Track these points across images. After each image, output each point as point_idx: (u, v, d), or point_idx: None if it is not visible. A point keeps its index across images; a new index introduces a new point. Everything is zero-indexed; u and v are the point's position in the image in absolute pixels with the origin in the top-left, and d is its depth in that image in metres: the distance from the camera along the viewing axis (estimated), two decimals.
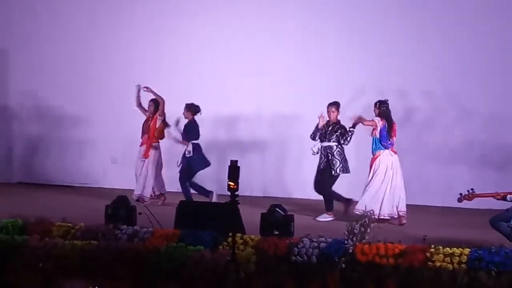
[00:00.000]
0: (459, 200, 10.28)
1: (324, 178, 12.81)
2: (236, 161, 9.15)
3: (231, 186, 9.13)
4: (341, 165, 12.75)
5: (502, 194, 10.11)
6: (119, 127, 15.08)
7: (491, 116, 13.95)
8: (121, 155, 15.26)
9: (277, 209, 10.47)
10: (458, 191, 10.27)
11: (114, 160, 15.44)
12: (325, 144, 12.79)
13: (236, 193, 9.23)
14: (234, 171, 9.13)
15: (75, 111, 15.75)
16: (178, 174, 13.65)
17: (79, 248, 9.98)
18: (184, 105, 13.67)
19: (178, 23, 15.25)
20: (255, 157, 14.93)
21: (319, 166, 12.87)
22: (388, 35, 14.32)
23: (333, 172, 12.72)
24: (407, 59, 14.20)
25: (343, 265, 9.29)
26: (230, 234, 9.52)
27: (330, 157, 12.73)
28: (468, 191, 10.16)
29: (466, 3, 14.09)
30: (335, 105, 12.88)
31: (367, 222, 9.54)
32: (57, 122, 16.03)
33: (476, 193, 10.16)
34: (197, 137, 13.66)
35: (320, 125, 12.82)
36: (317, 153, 12.85)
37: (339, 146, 12.77)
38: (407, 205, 12.50)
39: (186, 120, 13.74)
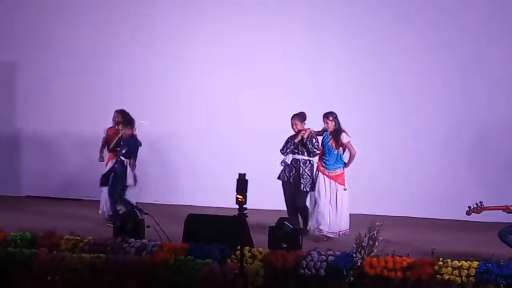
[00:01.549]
0: (468, 213, 10.24)
1: (299, 193, 12.24)
2: (244, 174, 9.13)
3: (239, 199, 9.10)
4: (311, 181, 12.20)
5: None
6: None
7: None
8: None
9: (285, 222, 10.47)
10: (467, 204, 10.24)
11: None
12: (299, 157, 12.27)
13: (244, 206, 9.22)
14: (242, 184, 9.12)
15: (83, 125, 15.74)
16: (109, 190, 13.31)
17: (87, 261, 9.98)
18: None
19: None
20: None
21: (287, 179, 12.26)
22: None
23: (302, 187, 12.16)
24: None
25: (352, 278, 9.29)
26: (238, 247, 9.52)
27: (301, 171, 12.19)
28: (476, 204, 10.13)
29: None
30: (299, 116, 12.27)
31: (375, 235, 9.54)
32: (66, 136, 16.03)
33: (485, 206, 10.13)
34: None
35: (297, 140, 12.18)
36: (289, 164, 12.28)
37: (311, 161, 12.26)
38: (416, 218, 12.44)
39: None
